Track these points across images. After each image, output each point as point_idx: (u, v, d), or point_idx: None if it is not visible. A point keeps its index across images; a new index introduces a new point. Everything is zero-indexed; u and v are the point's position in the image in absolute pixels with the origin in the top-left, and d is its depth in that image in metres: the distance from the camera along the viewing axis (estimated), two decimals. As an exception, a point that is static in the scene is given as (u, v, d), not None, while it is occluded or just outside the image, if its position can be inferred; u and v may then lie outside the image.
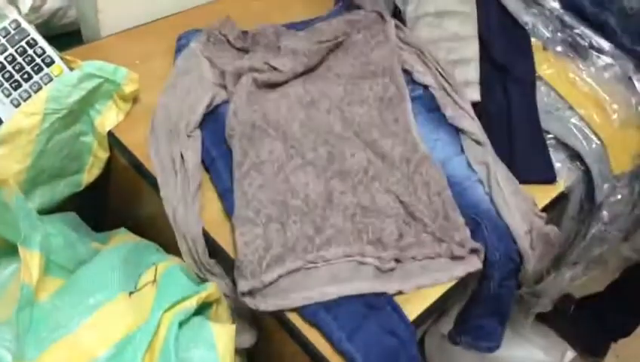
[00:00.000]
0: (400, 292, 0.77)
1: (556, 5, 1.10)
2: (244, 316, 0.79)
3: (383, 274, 0.77)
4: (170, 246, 0.82)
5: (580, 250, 1.13)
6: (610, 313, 1.49)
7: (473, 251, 0.80)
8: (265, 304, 0.73)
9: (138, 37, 1.05)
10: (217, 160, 0.86)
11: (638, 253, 1.31)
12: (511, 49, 1.03)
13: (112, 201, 1.02)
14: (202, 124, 0.89)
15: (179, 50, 1.01)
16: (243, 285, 0.72)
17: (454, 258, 0.79)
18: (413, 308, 0.76)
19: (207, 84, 0.92)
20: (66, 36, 1.05)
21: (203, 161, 0.86)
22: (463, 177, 0.88)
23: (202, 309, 0.72)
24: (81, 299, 0.68)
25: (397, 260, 0.78)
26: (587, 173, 0.97)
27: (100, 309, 0.69)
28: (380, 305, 0.75)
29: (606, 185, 0.99)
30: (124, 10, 1.04)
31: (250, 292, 0.73)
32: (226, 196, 0.83)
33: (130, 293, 0.71)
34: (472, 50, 1.01)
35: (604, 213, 1.07)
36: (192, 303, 0.68)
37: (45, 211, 0.86)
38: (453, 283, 0.79)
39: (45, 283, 0.70)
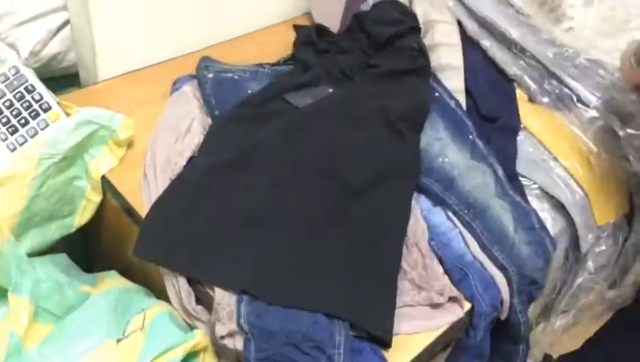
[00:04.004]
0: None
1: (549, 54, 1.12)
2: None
3: None
4: (159, 291, 0.82)
5: (568, 299, 1.14)
6: None
7: (452, 299, 0.81)
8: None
9: (135, 81, 1.06)
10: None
11: (623, 298, 1.31)
12: (497, 103, 1.05)
13: (103, 243, 1.02)
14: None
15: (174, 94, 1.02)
16: (220, 329, 0.73)
17: (434, 306, 0.80)
18: (399, 359, 0.76)
19: (195, 131, 0.94)
20: (64, 78, 1.05)
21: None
22: (447, 228, 0.89)
23: (189, 358, 0.72)
24: (69, 347, 0.68)
25: None
26: (571, 223, 0.98)
27: (87, 357, 0.69)
28: (361, 345, 0.75)
29: (590, 236, 1.01)
30: (122, 55, 1.05)
31: (231, 334, 0.73)
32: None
33: (118, 341, 0.71)
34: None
35: (590, 263, 1.08)
36: (178, 353, 0.69)
37: (36, 253, 0.86)
38: (438, 333, 0.80)
39: (33, 330, 0.70)
